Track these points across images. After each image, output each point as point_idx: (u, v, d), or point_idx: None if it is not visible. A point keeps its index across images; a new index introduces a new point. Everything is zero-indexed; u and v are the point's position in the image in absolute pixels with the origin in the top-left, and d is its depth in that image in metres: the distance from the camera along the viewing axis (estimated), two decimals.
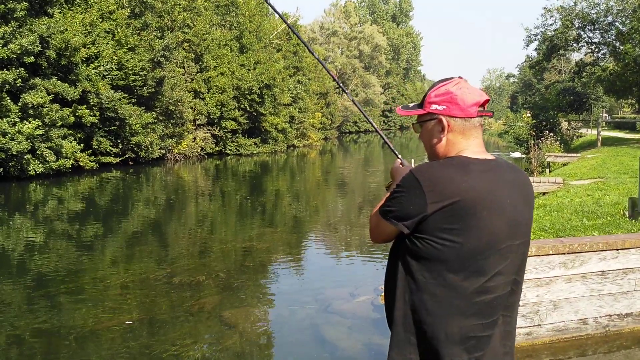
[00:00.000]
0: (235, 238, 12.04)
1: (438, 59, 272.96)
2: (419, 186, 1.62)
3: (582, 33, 29.28)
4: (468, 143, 1.73)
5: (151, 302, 7.53)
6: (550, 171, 18.94)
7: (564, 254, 4.82)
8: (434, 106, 1.75)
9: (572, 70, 35.97)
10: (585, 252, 4.89)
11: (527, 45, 31.14)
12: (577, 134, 33.21)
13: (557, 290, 4.88)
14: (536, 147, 20.98)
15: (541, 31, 29.97)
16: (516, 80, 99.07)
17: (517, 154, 29.82)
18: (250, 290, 8.26)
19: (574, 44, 29.83)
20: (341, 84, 2.72)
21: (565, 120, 33.66)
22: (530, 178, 12.64)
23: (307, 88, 47.52)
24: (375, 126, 2.45)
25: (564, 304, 4.91)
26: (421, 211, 1.61)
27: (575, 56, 41.22)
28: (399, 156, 2.15)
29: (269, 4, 3.01)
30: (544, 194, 12.02)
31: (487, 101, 1.75)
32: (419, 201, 1.61)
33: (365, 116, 2.44)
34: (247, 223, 14.11)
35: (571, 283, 4.90)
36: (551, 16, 29.59)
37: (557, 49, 30.28)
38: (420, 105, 1.81)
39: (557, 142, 25.41)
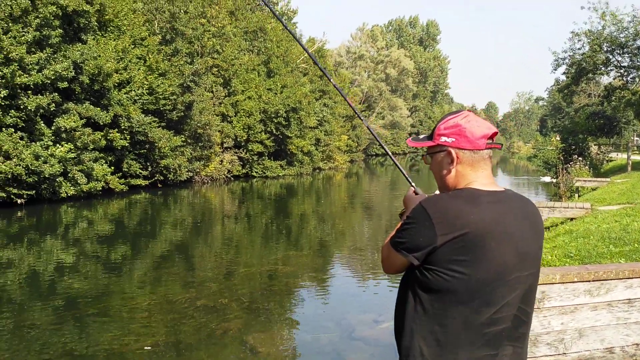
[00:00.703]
0: (260, 261, 12.12)
1: (466, 81, 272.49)
2: (428, 218, 1.65)
3: (610, 57, 29.00)
4: (477, 175, 1.77)
5: (176, 324, 7.62)
6: (579, 196, 18.67)
7: (589, 281, 4.76)
8: (443, 138, 1.80)
9: (602, 94, 35.54)
10: (611, 279, 4.81)
11: (555, 69, 31.07)
12: (607, 158, 32.68)
13: (582, 319, 4.81)
14: (565, 171, 20.70)
15: (569, 55, 29.80)
16: (545, 103, 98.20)
17: (547, 178, 29.46)
18: (275, 315, 8.29)
19: (603, 68, 29.53)
20: (357, 111, 2.76)
21: (595, 144, 33.20)
22: (558, 203, 12.50)
23: (333, 111, 47.86)
24: (389, 153, 2.46)
25: (589, 332, 4.84)
26: (431, 243, 1.64)
27: (605, 80, 40.78)
28: (412, 184, 2.17)
29: (290, 32, 3.07)
30: (571, 219, 11.83)
31: (495, 134, 1.79)
32: (428, 233, 1.64)
33: (380, 143, 2.43)
34: (272, 246, 14.19)
35: (597, 311, 4.83)
36: (579, 40, 29.44)
37: (586, 73, 30.02)
38: (430, 137, 1.86)
39: (587, 167, 25.05)
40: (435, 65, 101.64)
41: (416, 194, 2.08)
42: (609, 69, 29.95)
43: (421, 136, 1.93)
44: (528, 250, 1.72)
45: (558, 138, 35.38)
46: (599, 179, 21.02)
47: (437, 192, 1.91)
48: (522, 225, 1.71)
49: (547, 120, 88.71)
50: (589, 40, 28.67)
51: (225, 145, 33.18)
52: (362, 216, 20.54)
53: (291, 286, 10.04)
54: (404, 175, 2.34)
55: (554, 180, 24.79)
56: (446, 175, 1.82)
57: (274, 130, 35.70)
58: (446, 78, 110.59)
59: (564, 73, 33.32)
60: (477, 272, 1.63)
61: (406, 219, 1.74)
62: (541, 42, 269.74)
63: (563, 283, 4.74)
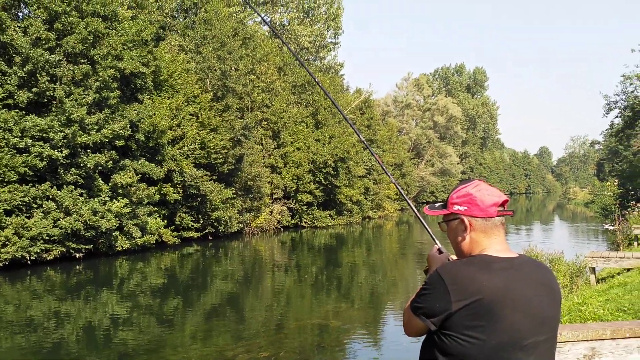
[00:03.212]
0: (310, 314, 12.01)
1: (517, 127, 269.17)
2: (443, 284, 1.72)
3: None
4: (490, 241, 1.85)
5: None
6: (638, 244, 17.81)
7: None
8: (456, 207, 1.91)
9: None
10: None
11: (607, 113, 30.32)
12: None
13: None
14: (622, 218, 19.85)
15: (622, 98, 29.14)
16: (602, 147, 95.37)
17: (610, 226, 28.40)
18: None
19: None
20: (357, 131, 2.78)
21: None
22: (614, 253, 11.98)
23: (381, 160, 47.92)
24: (410, 203, 2.54)
25: None
26: (446, 309, 1.70)
27: None
28: (437, 241, 2.20)
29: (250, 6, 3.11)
30: (628, 270, 11.32)
31: (506, 201, 1.88)
32: (444, 299, 1.71)
33: (398, 188, 2.47)
34: (322, 298, 14.07)
35: None
36: (631, 83, 28.79)
37: None
38: (444, 205, 1.97)
39: None
40: (484, 111, 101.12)
41: (440, 252, 2.12)
42: None
43: (437, 204, 2.03)
44: (543, 315, 1.76)
45: (615, 183, 34.16)
46: None
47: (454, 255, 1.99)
48: (536, 290, 1.76)
49: (604, 165, 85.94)
50: None
51: (274, 196, 33.58)
52: (414, 266, 20.19)
53: (342, 341, 9.89)
54: (427, 231, 2.38)
55: (612, 228, 23.84)
56: (461, 242, 1.90)
57: (323, 180, 35.97)
58: (496, 124, 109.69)
59: (617, 116, 32.48)
60: (492, 337, 1.67)
61: (424, 284, 1.82)
62: (594, 85, 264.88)
63: (614, 339, 4.52)
